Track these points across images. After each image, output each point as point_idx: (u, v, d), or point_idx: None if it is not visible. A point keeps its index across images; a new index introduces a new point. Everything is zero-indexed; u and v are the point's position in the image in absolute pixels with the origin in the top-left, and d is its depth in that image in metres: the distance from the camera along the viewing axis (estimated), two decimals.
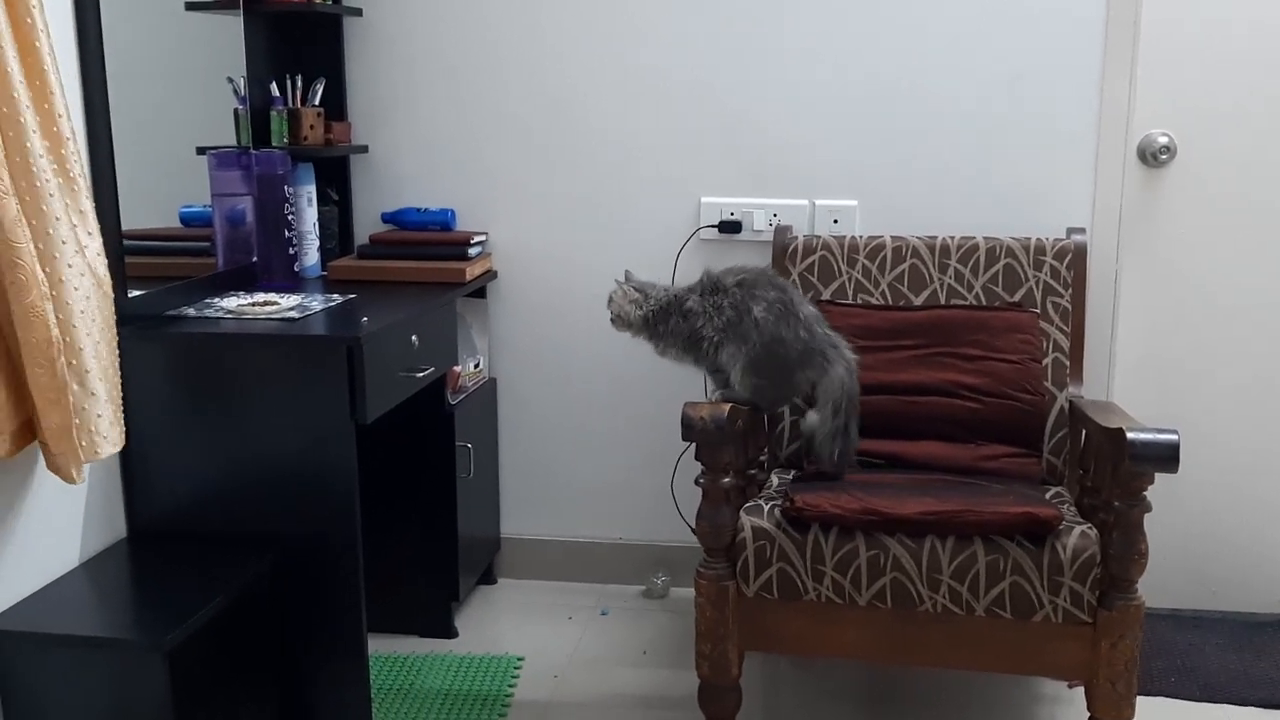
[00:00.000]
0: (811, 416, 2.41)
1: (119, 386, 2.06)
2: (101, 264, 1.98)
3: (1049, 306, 2.59)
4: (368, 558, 2.27)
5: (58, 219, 1.86)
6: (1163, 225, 2.82)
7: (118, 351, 2.06)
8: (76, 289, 1.90)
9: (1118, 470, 2.08)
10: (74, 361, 1.90)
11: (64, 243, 1.87)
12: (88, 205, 1.96)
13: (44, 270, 1.83)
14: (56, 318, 1.85)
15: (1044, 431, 2.50)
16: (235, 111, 2.66)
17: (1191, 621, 2.88)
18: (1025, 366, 2.50)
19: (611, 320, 2.50)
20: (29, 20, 1.83)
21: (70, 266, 1.88)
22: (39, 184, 1.82)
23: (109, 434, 1.99)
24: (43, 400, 1.86)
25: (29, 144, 1.81)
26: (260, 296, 2.48)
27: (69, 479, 1.94)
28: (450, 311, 2.69)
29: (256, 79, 2.72)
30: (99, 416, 1.95)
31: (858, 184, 2.88)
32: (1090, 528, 2.12)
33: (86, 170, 2.08)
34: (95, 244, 1.98)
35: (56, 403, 1.86)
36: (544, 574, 3.16)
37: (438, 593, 2.83)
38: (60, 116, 1.89)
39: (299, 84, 2.83)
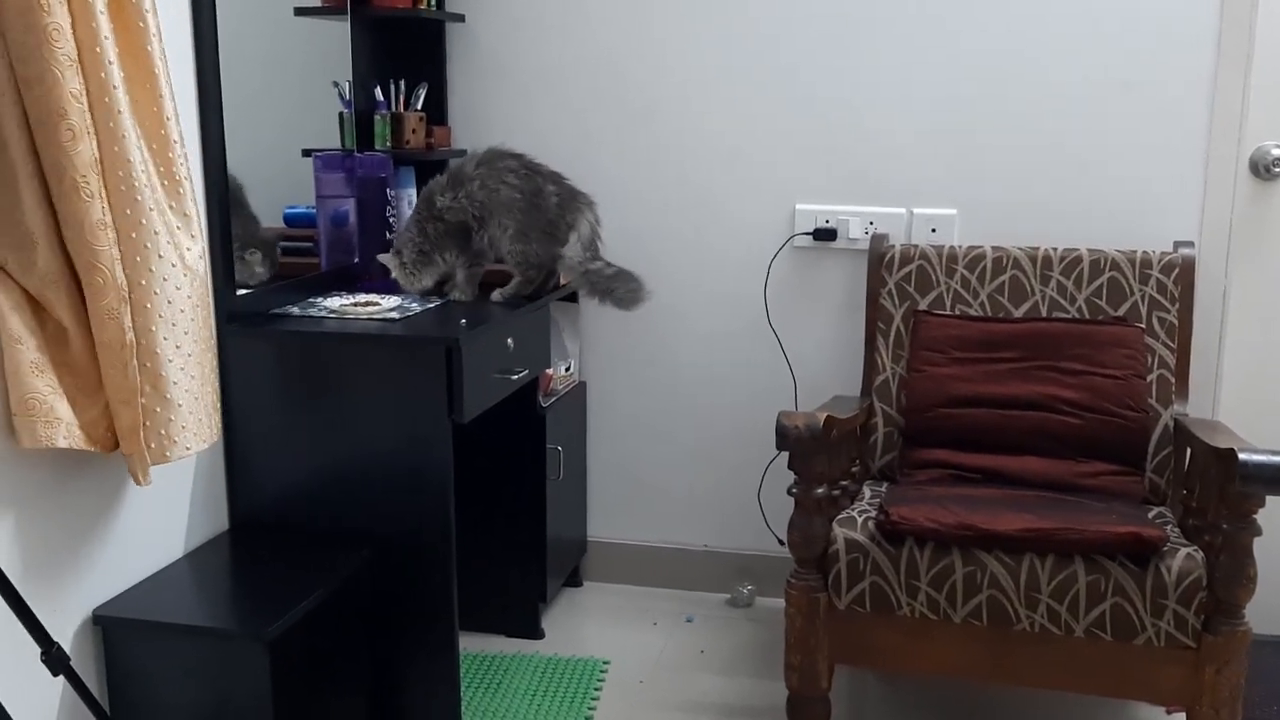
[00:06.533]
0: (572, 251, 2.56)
1: (213, 389, 2.05)
2: (203, 266, 1.98)
3: (1154, 321, 2.53)
4: (458, 556, 2.30)
5: (143, 222, 1.84)
6: (1274, 240, 2.74)
7: (215, 354, 2.07)
8: (158, 293, 1.88)
9: (1226, 492, 2.02)
10: (148, 364, 1.88)
11: (147, 246, 1.85)
12: (192, 208, 1.95)
13: (126, 273, 1.83)
14: (133, 321, 1.85)
15: (1147, 449, 2.44)
16: (340, 115, 2.72)
17: None
18: (1129, 382, 2.44)
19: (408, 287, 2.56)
20: (140, 25, 1.83)
21: (152, 271, 1.87)
22: (125, 186, 1.81)
23: (180, 438, 1.95)
24: (115, 400, 1.87)
25: (117, 148, 1.79)
26: (362, 297, 2.53)
27: (136, 480, 1.93)
28: (544, 315, 2.71)
29: (361, 83, 2.78)
30: (170, 420, 1.93)
31: (957, 193, 2.83)
32: (1196, 550, 2.07)
33: (194, 173, 2.10)
34: (198, 246, 1.97)
35: (127, 403, 1.87)
36: (629, 578, 3.17)
37: (526, 593, 2.85)
38: (169, 120, 1.88)
39: (402, 88, 2.88)
